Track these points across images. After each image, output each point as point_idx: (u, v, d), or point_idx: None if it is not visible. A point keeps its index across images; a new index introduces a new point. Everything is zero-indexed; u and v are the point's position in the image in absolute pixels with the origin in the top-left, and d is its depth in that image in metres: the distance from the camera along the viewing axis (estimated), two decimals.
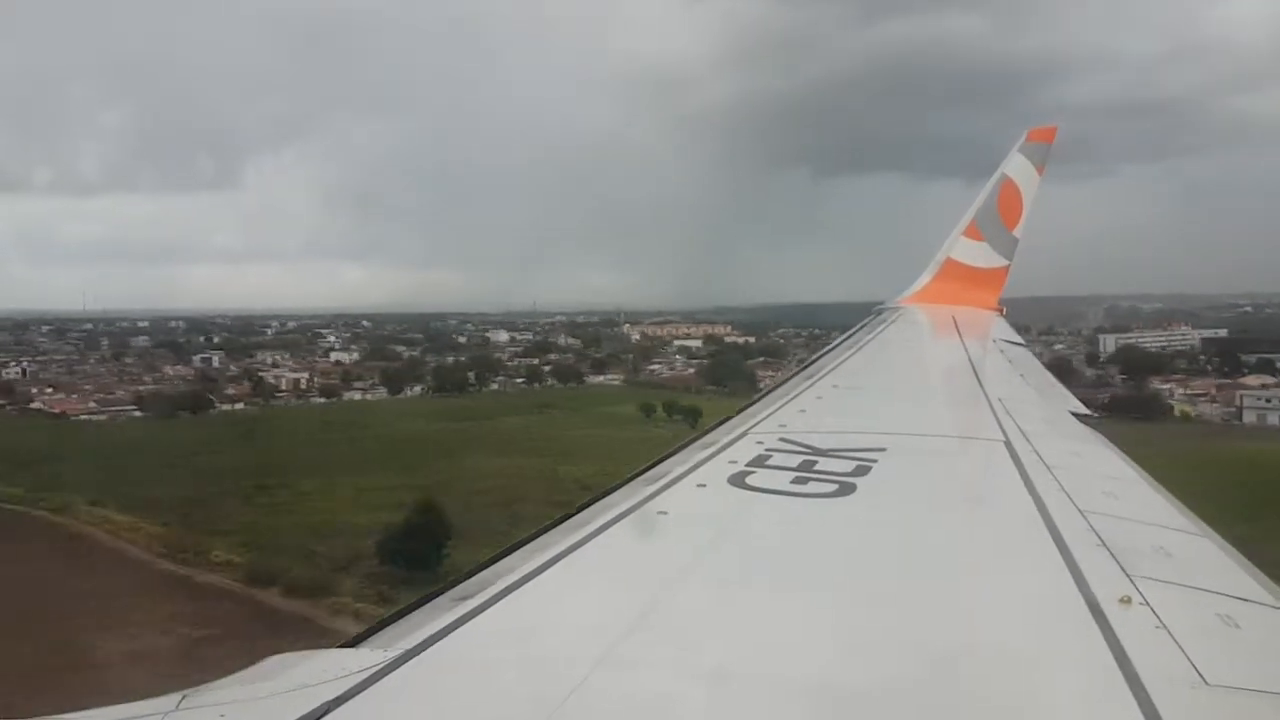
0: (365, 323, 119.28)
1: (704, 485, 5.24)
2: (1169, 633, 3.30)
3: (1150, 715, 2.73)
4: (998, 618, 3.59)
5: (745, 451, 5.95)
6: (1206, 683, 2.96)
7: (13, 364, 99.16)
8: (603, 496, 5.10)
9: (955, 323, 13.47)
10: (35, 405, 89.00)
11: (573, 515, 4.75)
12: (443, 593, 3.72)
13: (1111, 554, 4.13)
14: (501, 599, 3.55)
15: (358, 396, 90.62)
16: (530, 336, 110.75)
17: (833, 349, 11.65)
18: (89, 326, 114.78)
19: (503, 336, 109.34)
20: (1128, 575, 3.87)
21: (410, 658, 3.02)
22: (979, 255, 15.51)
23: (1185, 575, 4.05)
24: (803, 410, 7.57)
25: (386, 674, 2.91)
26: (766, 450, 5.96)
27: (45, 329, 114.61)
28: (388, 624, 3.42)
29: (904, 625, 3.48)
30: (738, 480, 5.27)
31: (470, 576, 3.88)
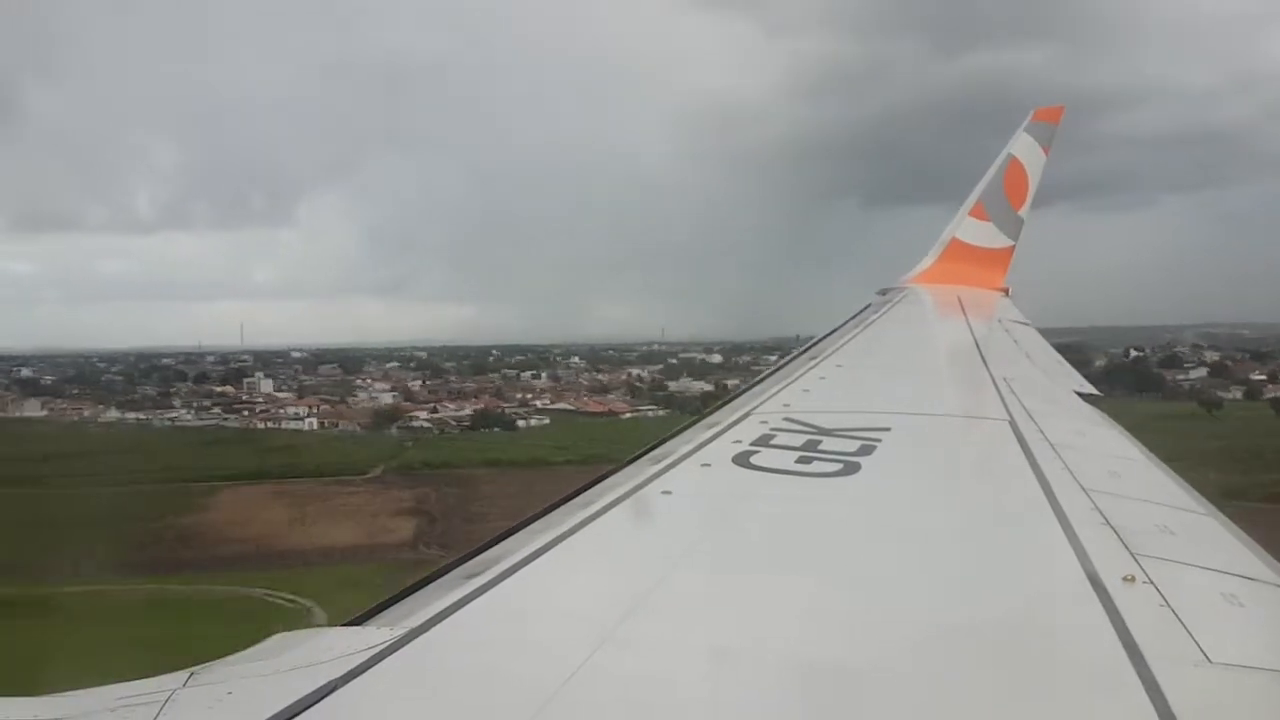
0: (495, 352, 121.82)
1: (708, 465, 5.24)
2: (1173, 611, 3.30)
3: (1154, 693, 2.73)
4: (1002, 596, 3.59)
5: (749, 431, 5.95)
6: (1210, 661, 2.96)
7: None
8: (607, 476, 5.11)
9: (960, 303, 13.41)
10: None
11: (578, 494, 4.76)
12: (448, 571, 3.73)
13: (1116, 533, 4.13)
14: (507, 578, 3.56)
15: None
16: (734, 359, 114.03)
17: (837, 330, 11.60)
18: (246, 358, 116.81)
19: (716, 358, 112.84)
20: (1132, 554, 3.87)
21: (415, 636, 3.03)
22: (985, 235, 15.41)
23: (1189, 554, 4.05)
24: (807, 390, 7.56)
25: (391, 652, 2.92)
26: (771, 430, 5.96)
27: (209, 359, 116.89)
28: (393, 603, 3.44)
29: (908, 604, 3.49)
30: (742, 460, 5.27)
31: (475, 555, 3.90)
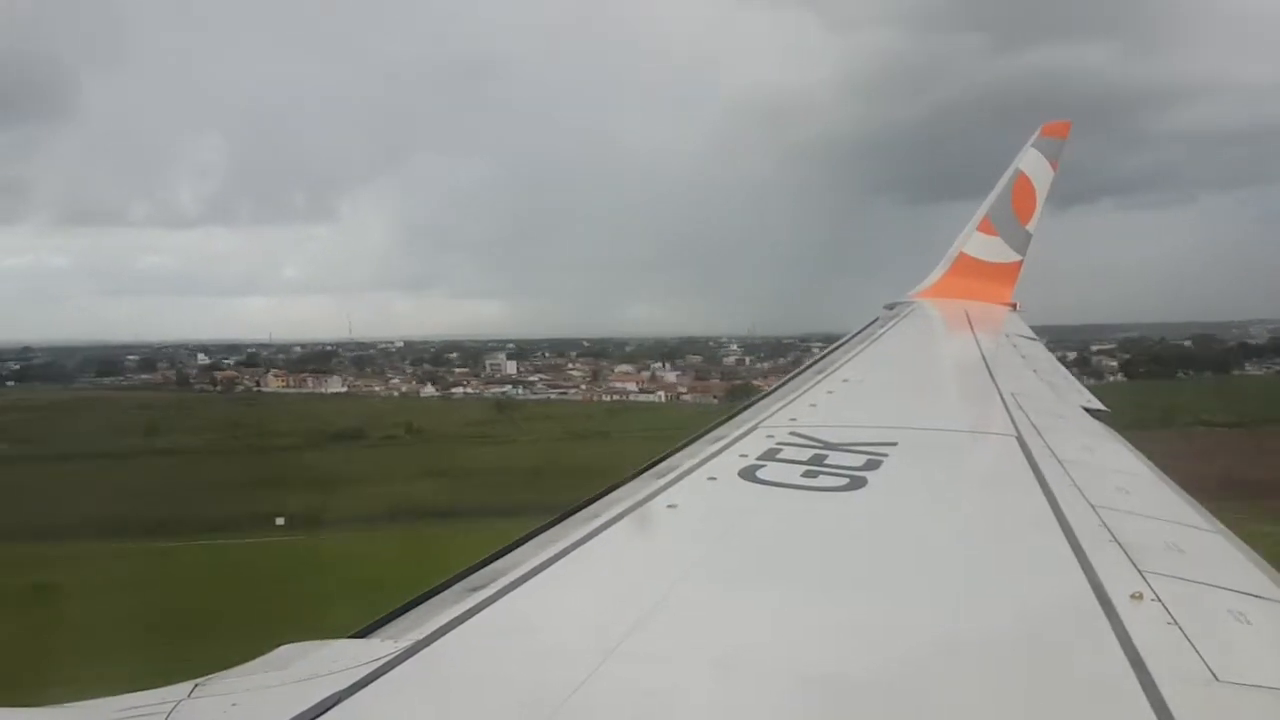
0: (584, 343, 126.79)
1: (715, 479, 5.24)
2: (1180, 629, 3.28)
3: (1161, 712, 2.71)
4: (1009, 613, 3.58)
5: (756, 445, 5.94)
6: (1218, 679, 2.95)
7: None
8: (613, 489, 5.11)
9: (968, 317, 13.40)
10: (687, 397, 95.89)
11: (584, 507, 4.76)
12: (453, 584, 3.73)
13: (1123, 549, 4.11)
14: (512, 591, 3.56)
15: None
16: None
17: (844, 344, 11.60)
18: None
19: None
20: (1139, 571, 3.85)
21: (420, 649, 3.04)
22: (992, 250, 15.43)
23: (1197, 571, 4.02)
24: (813, 405, 7.55)
25: (396, 665, 2.92)
26: (777, 444, 5.95)
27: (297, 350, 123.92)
28: (398, 615, 3.44)
29: (915, 620, 3.48)
30: (748, 474, 5.26)
31: (481, 567, 3.90)
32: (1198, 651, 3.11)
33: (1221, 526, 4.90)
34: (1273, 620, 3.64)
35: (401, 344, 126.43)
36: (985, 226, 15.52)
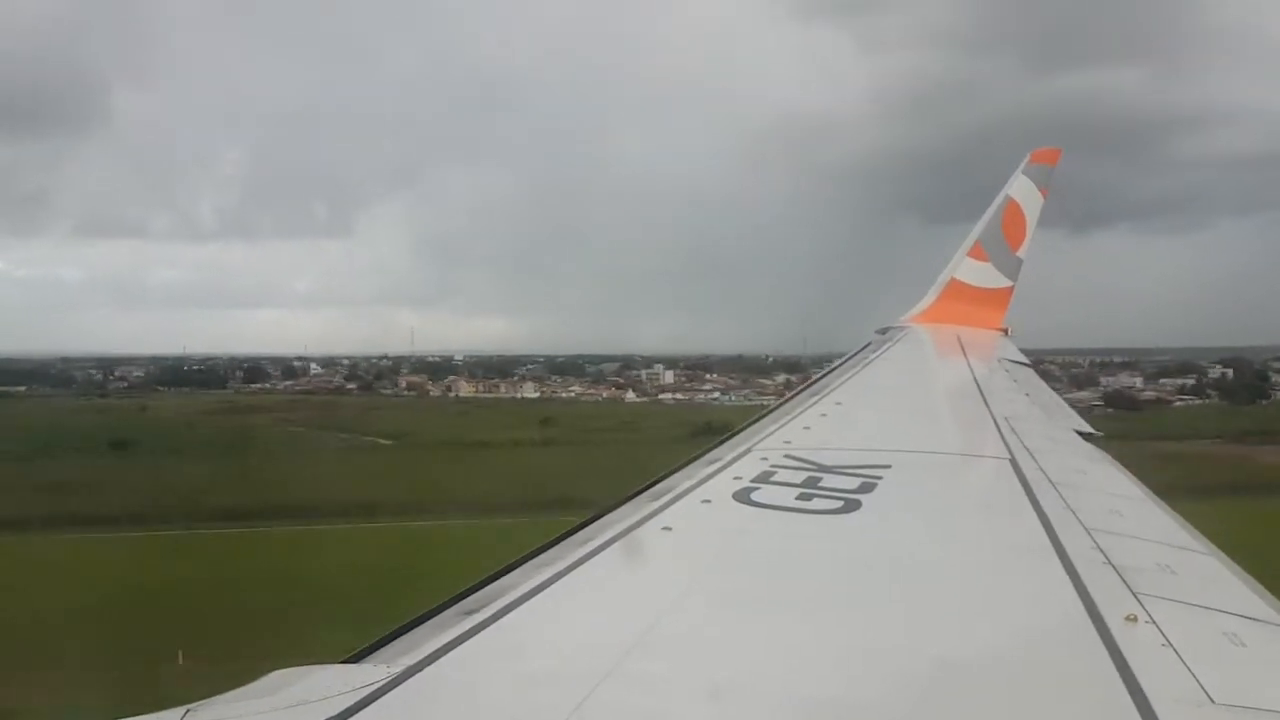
0: (637, 357, 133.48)
1: (709, 501, 5.23)
2: (1175, 651, 3.29)
3: None
4: (1004, 635, 3.58)
5: (750, 468, 5.94)
6: (1213, 701, 2.94)
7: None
8: (608, 512, 5.10)
9: (960, 342, 13.46)
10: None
11: (578, 530, 4.75)
12: (447, 607, 3.71)
13: (1117, 572, 4.12)
14: (506, 614, 3.54)
15: None
16: None
17: (837, 367, 11.64)
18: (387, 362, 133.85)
19: None
20: (1133, 593, 3.85)
21: (412, 674, 3.01)
22: (983, 276, 15.54)
23: (1191, 593, 4.03)
24: (807, 427, 7.56)
25: (388, 690, 2.89)
26: (771, 466, 5.95)
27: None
28: (391, 639, 3.41)
29: (909, 642, 3.47)
30: (743, 496, 5.26)
31: (474, 591, 3.88)
32: (1192, 673, 3.11)
33: (1215, 548, 4.91)
34: (1267, 642, 3.65)
35: (462, 357, 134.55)
36: (976, 252, 15.64)
